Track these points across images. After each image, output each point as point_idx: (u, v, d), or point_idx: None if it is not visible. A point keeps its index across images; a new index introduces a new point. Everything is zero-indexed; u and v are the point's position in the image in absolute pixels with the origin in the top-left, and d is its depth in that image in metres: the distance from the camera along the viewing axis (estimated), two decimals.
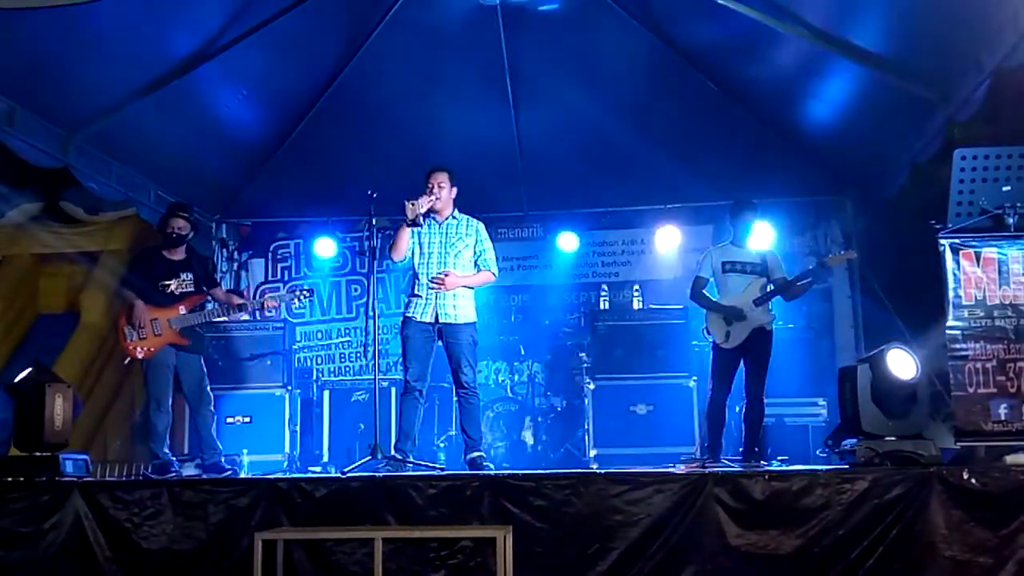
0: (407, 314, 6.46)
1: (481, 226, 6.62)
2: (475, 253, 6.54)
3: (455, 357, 6.42)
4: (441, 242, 6.47)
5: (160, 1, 6.43)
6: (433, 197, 6.34)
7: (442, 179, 6.43)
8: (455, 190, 6.51)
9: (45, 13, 5.87)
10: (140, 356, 6.62)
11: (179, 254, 6.91)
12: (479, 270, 6.56)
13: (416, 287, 6.48)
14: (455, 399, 6.78)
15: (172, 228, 6.86)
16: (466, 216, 6.59)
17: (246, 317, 7.98)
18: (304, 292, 7.37)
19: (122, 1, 6.04)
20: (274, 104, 8.45)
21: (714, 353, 6.95)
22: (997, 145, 5.77)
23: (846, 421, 5.86)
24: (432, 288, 6.35)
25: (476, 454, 6.34)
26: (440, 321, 6.37)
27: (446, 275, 6.35)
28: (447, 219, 6.51)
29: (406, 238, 6.40)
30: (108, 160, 7.84)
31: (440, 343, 6.45)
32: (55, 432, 6.07)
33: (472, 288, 6.56)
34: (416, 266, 6.49)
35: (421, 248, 6.46)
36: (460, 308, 6.44)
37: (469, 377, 6.43)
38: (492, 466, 6.28)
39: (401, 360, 6.51)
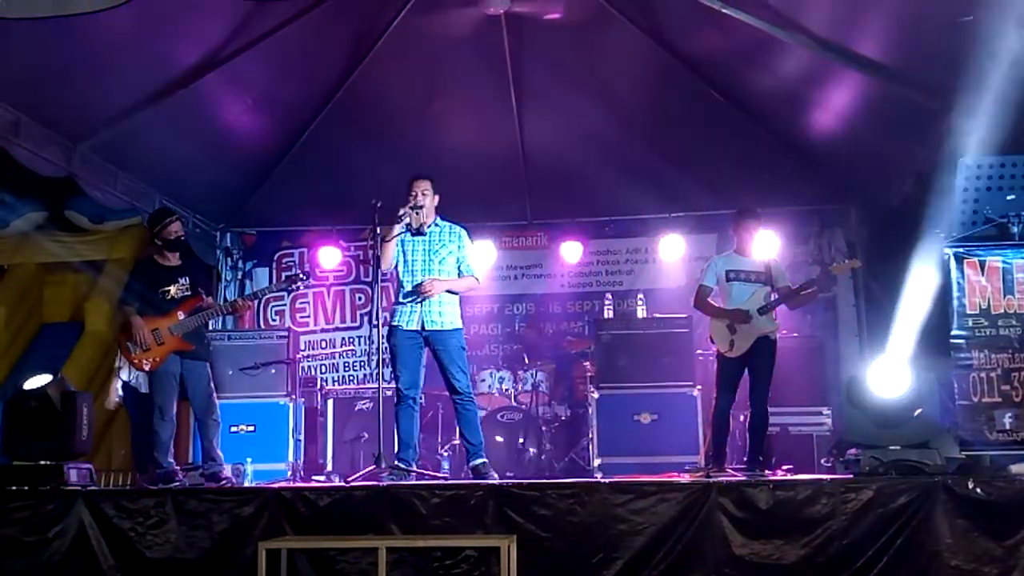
0: (393, 323, 6.43)
1: (464, 232, 6.59)
2: (458, 260, 6.52)
3: (445, 364, 6.38)
4: (424, 250, 6.46)
5: (165, 12, 6.45)
6: (414, 206, 6.35)
7: (425, 187, 6.43)
8: (437, 198, 6.49)
9: (50, 23, 5.89)
10: (147, 368, 6.60)
11: (174, 260, 6.89)
12: (462, 276, 6.54)
13: (401, 295, 6.47)
14: (454, 406, 6.70)
15: (171, 233, 6.84)
16: (448, 223, 6.56)
17: (243, 308, 7.86)
18: (299, 276, 7.33)
19: (127, 12, 6.05)
20: (279, 113, 8.46)
21: (718, 362, 6.94)
22: (1002, 154, 5.77)
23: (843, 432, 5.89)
24: (417, 296, 6.34)
25: (479, 461, 6.31)
26: (426, 329, 6.34)
27: (430, 281, 6.33)
28: (430, 227, 6.48)
29: (393, 248, 6.40)
30: (113, 169, 7.87)
31: (427, 350, 6.43)
32: (81, 442, 6.14)
33: (457, 294, 6.54)
34: (400, 274, 6.47)
35: (405, 256, 6.45)
36: (446, 315, 6.41)
37: (463, 383, 6.40)
38: (496, 473, 6.27)
39: (391, 370, 6.47)
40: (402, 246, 6.45)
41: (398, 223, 6.33)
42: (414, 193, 6.39)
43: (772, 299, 6.85)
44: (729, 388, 6.84)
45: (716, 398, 6.89)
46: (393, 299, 6.64)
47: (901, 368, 5.74)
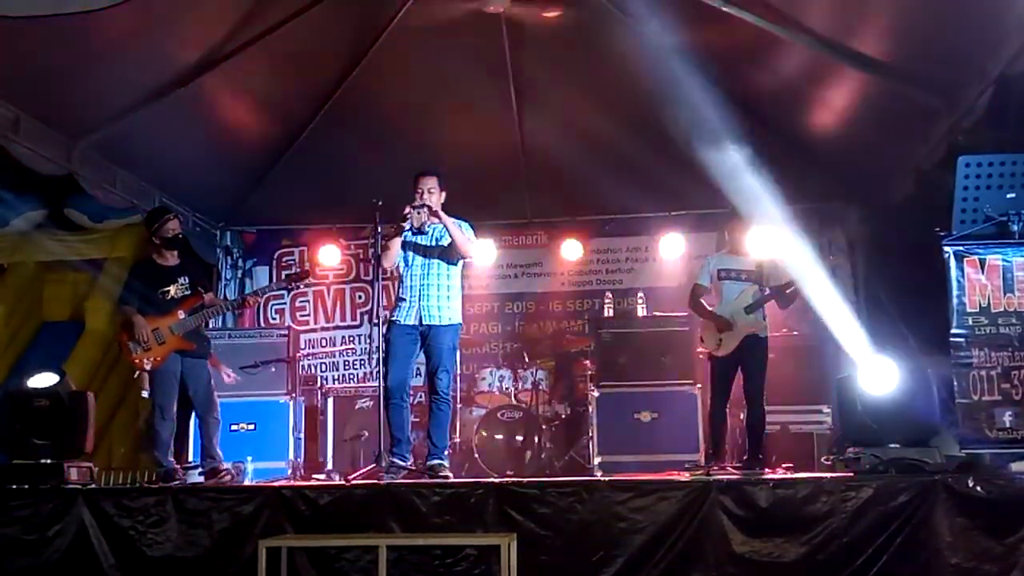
0: (391, 318, 6.40)
1: (466, 225, 6.51)
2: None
3: (434, 361, 6.34)
4: (427, 245, 6.45)
5: (165, 10, 6.44)
6: (424, 203, 6.29)
7: (432, 184, 6.38)
8: (444, 194, 6.44)
9: (50, 22, 5.89)
10: (148, 368, 6.60)
11: (173, 259, 6.86)
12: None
13: (400, 290, 6.44)
14: (428, 404, 6.64)
15: (168, 231, 6.81)
16: (453, 219, 6.49)
17: (250, 305, 7.86)
18: (299, 275, 7.32)
19: (127, 10, 6.04)
20: (279, 112, 8.46)
21: (710, 361, 6.96)
22: (1001, 152, 5.76)
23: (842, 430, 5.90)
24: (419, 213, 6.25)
25: (437, 461, 6.25)
26: (424, 323, 6.31)
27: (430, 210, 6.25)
28: (430, 225, 6.40)
29: (397, 245, 6.37)
30: (113, 168, 7.87)
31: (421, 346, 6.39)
32: (89, 440, 6.19)
33: (456, 262, 6.44)
34: (401, 269, 6.45)
35: (405, 251, 6.44)
36: (444, 309, 6.37)
37: (444, 383, 6.36)
38: (451, 475, 6.26)
39: (382, 366, 6.39)
40: (403, 244, 6.42)
41: (404, 221, 6.27)
42: (420, 191, 6.36)
43: (758, 297, 6.86)
44: (722, 387, 6.88)
45: (711, 397, 6.91)
46: (395, 296, 6.59)
47: (890, 366, 5.74)
